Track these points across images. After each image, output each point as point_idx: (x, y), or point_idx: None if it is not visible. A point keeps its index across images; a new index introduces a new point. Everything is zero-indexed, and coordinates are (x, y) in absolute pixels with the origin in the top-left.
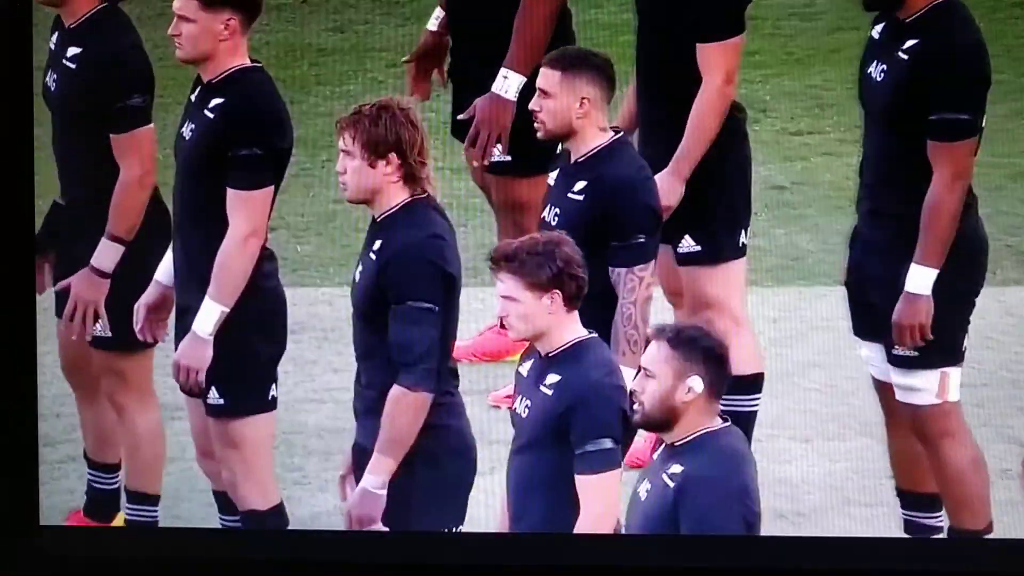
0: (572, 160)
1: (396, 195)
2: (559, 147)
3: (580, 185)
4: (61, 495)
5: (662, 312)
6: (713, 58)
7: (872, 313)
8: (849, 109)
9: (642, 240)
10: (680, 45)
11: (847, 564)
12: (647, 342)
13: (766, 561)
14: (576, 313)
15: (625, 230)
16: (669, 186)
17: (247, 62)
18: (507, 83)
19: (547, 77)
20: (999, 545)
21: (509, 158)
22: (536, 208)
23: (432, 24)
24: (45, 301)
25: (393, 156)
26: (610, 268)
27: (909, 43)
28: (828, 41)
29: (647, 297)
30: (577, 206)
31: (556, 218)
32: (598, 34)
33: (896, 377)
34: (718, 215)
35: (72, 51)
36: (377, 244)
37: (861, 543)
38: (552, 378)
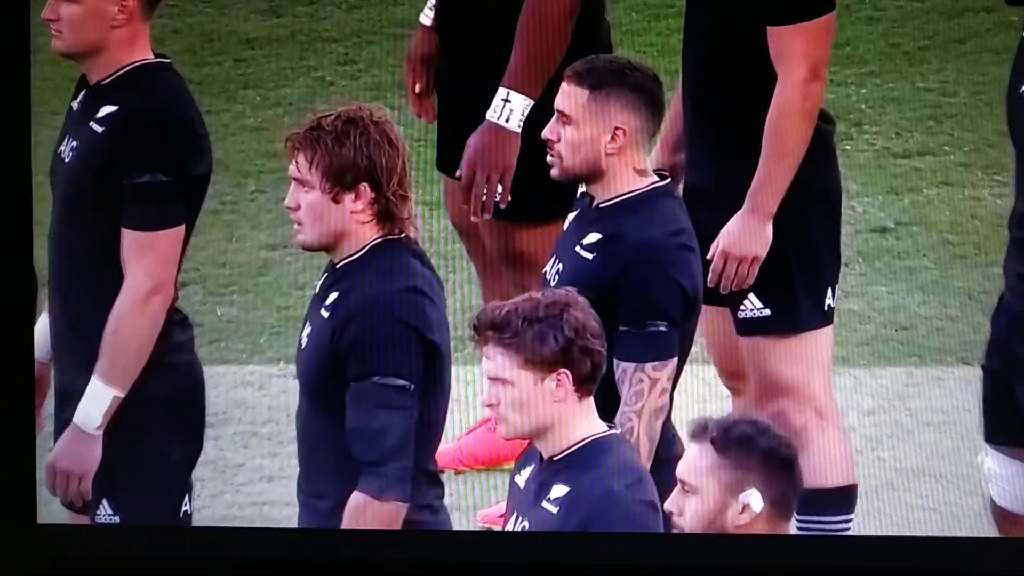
0: (594, 203)
1: (365, 236)
2: (582, 186)
3: (593, 238)
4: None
5: (714, 400)
6: (792, 45)
7: (1016, 415)
8: (977, 121)
9: (662, 329)
10: (746, 29)
11: (848, 563)
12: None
13: (769, 561)
14: (591, 401)
15: (640, 312)
16: (750, 229)
17: (150, 57)
18: (508, 108)
19: (569, 97)
20: (1000, 545)
21: (509, 197)
22: (541, 265)
23: (426, 16)
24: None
25: (365, 187)
26: (615, 360)
27: None
28: (948, 28)
29: (659, 408)
30: (584, 266)
31: (557, 276)
32: (629, 18)
33: None
34: (795, 266)
35: None
36: (332, 297)
37: (862, 542)
38: (558, 490)
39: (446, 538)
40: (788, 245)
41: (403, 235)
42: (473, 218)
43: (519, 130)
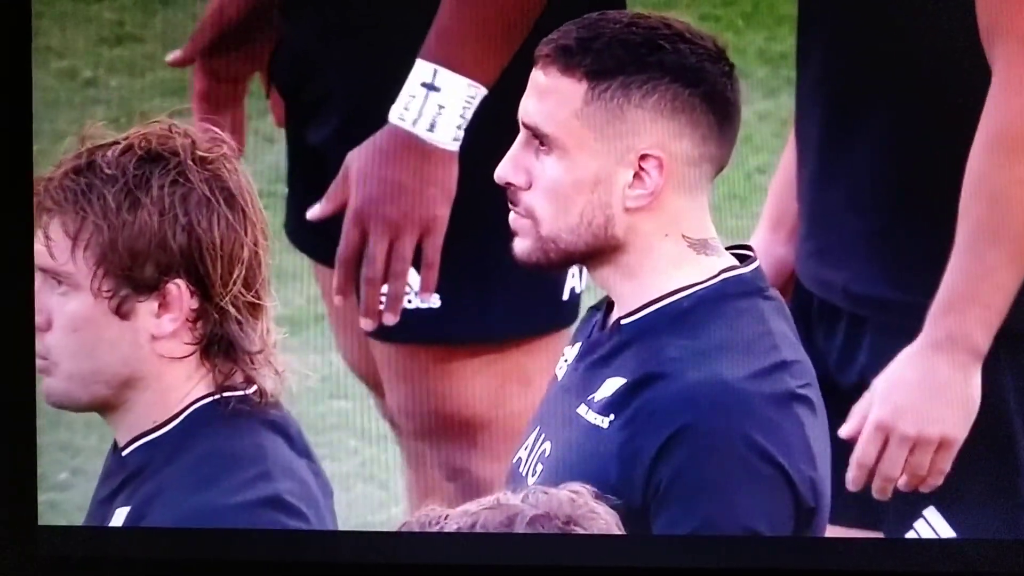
0: (610, 320)
1: (178, 389)
2: (575, 278)
3: (611, 386)
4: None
5: None
6: None
7: None
8: None
9: None
10: None
11: (846, 564)
12: None
13: (768, 562)
14: None
15: (705, 529)
16: (935, 381)
17: None
18: (434, 103)
19: (548, 96)
20: (999, 545)
21: (437, 301)
22: (511, 435)
23: None
24: None
25: (180, 289)
26: None
27: None
28: None
29: None
30: (595, 442)
31: (541, 465)
32: None
33: None
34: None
35: None
36: (121, 514)
37: (860, 543)
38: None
39: (447, 538)
40: (1013, 412)
41: (252, 389)
42: (363, 324)
43: (456, 147)
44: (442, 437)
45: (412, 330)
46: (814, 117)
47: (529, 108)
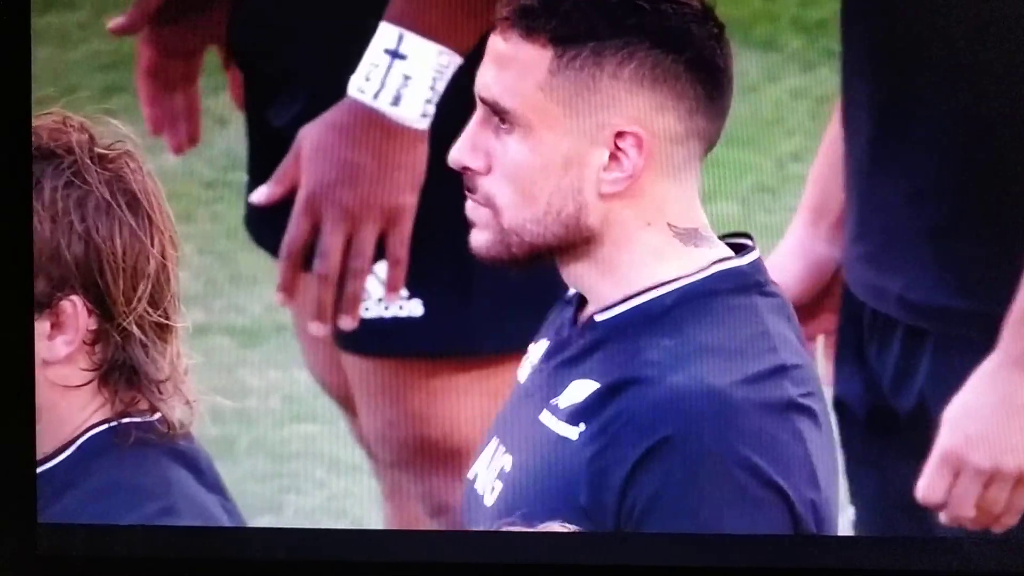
0: (582, 315)
1: (71, 417)
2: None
3: (580, 390)
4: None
5: None
6: None
7: None
8: None
9: None
10: None
11: (846, 563)
12: None
13: (767, 561)
14: None
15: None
16: (1016, 404)
17: None
18: (399, 72)
19: (510, 67)
20: (999, 543)
21: (420, 309)
22: (460, 450)
23: None
24: None
25: (75, 306)
26: None
27: None
28: None
29: None
30: (560, 456)
31: (499, 483)
32: None
33: None
34: None
35: None
36: None
37: (860, 542)
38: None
39: (442, 536)
40: None
41: (155, 416)
42: (312, 328)
43: (425, 124)
44: (425, 466)
45: (391, 341)
46: (864, 97)
47: (487, 80)
